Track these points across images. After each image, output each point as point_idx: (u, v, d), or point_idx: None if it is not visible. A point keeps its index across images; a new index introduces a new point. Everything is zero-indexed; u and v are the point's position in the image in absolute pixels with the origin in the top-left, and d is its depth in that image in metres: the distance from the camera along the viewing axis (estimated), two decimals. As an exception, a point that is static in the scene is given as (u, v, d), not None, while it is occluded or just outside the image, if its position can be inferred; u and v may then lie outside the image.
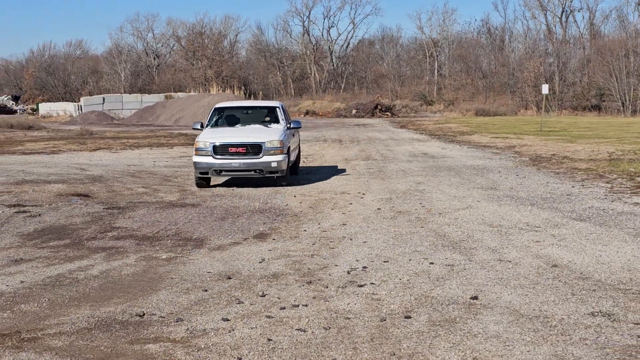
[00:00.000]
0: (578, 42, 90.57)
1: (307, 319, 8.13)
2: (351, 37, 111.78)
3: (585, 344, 7.13)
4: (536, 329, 7.57)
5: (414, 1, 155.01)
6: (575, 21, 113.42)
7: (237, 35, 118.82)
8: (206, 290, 9.46)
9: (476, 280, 9.60)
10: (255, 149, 19.28)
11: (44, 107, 74.53)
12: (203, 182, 19.93)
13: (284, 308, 8.59)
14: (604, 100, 75.91)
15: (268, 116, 21.54)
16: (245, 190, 19.04)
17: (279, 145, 19.33)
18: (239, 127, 20.99)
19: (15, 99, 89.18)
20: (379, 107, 76.72)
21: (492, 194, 17.30)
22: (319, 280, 9.84)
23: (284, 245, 12.15)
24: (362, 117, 73.31)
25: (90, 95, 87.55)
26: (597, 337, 7.31)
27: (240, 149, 19.32)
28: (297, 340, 7.47)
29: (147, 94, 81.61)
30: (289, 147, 20.25)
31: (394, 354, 7.01)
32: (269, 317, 8.26)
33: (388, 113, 75.59)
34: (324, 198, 17.30)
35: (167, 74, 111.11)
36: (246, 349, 7.26)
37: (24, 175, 22.42)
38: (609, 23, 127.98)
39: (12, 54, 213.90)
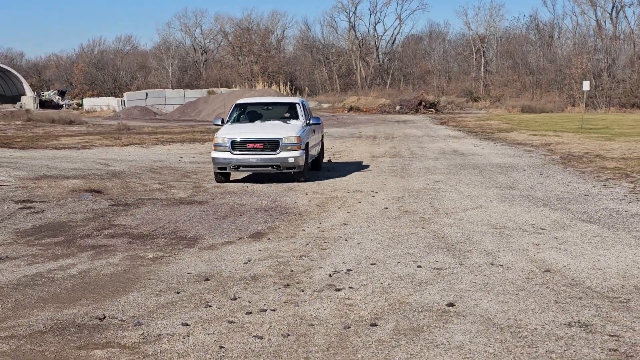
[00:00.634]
0: (628, 38, 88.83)
1: (269, 325, 7.77)
2: (397, 33, 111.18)
3: (550, 358, 6.67)
4: (503, 340, 7.13)
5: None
6: (626, 17, 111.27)
7: (284, 31, 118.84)
8: (178, 293, 9.16)
9: (459, 285, 9.16)
10: (272, 144, 19.27)
11: (88, 102, 75.06)
12: (222, 177, 19.91)
13: (250, 313, 8.24)
14: (653, 98, 74.37)
15: (288, 112, 21.38)
16: (258, 187, 18.74)
17: (296, 141, 19.29)
18: (258, 123, 20.93)
19: (62, 94, 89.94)
20: (423, 103, 75.96)
21: (508, 193, 16.77)
22: (298, 283, 9.48)
23: (277, 246, 11.80)
24: (406, 113, 72.63)
25: (139, 90, 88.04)
26: (566, 350, 6.85)
27: (257, 145, 19.35)
28: (249, 349, 7.12)
29: (189, 89, 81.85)
30: (307, 143, 20.09)
31: (345, 365, 6.63)
32: (231, 322, 7.92)
33: (432, 109, 74.82)
34: (335, 196, 16.92)
35: (214, 70, 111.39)
36: (194, 357, 6.92)
37: (46, 170, 22.36)
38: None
39: (62, 49, 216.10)
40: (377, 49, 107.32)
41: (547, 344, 7.04)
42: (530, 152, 27.37)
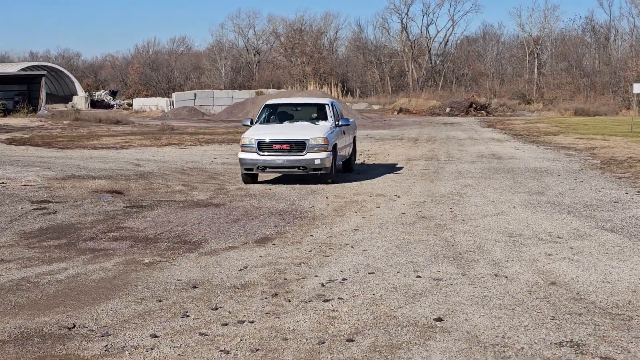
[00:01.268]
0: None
1: (240, 339, 7.34)
2: (450, 35, 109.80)
3: (528, 382, 6.13)
4: (483, 361, 6.59)
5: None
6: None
7: (336, 32, 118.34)
8: (160, 301, 8.77)
9: (455, 298, 8.63)
10: (299, 145, 19.03)
11: (138, 103, 75.41)
12: (249, 178, 19.77)
13: (227, 324, 7.82)
14: None
15: (317, 113, 21.07)
16: (281, 190, 18.35)
17: (322, 143, 19.01)
18: (286, 124, 20.61)
19: (113, 94, 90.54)
20: (474, 105, 74.95)
21: (535, 199, 16.13)
22: (287, 292, 9.03)
23: (279, 252, 11.38)
24: (456, 115, 71.74)
25: (192, 90, 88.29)
26: (547, 374, 6.29)
27: (284, 146, 19.10)
28: (211, 364, 6.66)
29: (238, 90, 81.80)
30: (335, 145, 19.75)
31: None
32: (202, 334, 7.50)
33: (483, 112, 73.79)
34: (355, 200, 16.45)
35: (266, 71, 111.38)
36: (150, 372, 6.50)
37: (75, 170, 22.23)
38: None
39: (118, 50, 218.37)
40: (429, 51, 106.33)
41: (529, 366, 6.48)
42: (571, 157, 26.58)
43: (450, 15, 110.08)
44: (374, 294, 8.90)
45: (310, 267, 10.35)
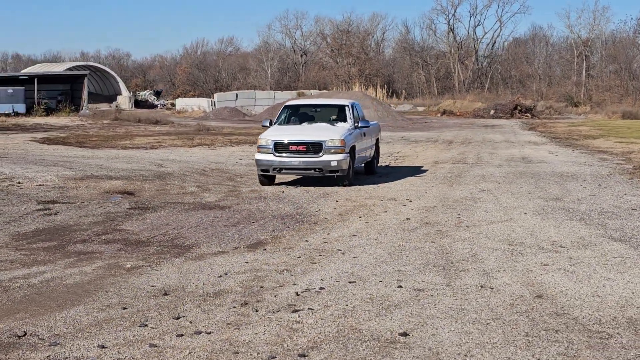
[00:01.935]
0: None
1: (189, 352, 6.99)
2: (497, 36, 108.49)
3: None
4: (435, 381, 6.13)
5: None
6: None
7: (384, 33, 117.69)
8: (125, 308, 8.44)
9: (430, 311, 8.19)
10: (315, 147, 18.70)
11: (180, 103, 75.64)
12: (265, 179, 19.50)
13: (182, 335, 7.46)
14: None
15: (337, 115, 20.65)
16: (294, 192, 18.01)
17: (339, 144, 18.64)
18: (304, 125, 20.28)
19: (157, 94, 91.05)
20: (519, 107, 73.92)
21: (550, 205, 15.57)
22: (258, 302, 8.66)
23: (267, 258, 11.02)
24: (500, 117, 70.82)
25: (239, 90, 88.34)
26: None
27: (300, 147, 18.79)
28: (149, 379, 6.30)
29: (279, 91, 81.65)
30: (353, 147, 19.37)
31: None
32: (153, 346, 7.15)
33: (528, 114, 72.70)
34: (365, 204, 16.02)
35: (312, 72, 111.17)
36: (81, 387, 6.15)
37: (96, 170, 22.10)
38: None
39: (167, 50, 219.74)
40: (476, 52, 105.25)
41: (482, 388, 6.02)
42: (604, 161, 25.83)
43: (498, 16, 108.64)
44: (347, 305, 8.49)
45: (292, 275, 9.96)
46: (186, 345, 7.21)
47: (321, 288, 9.23)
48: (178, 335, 7.49)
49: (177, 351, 7.05)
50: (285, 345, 7.17)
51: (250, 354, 6.95)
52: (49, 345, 7.25)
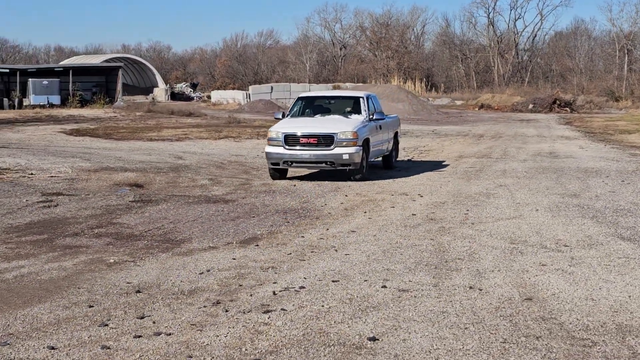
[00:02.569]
0: None
1: (140, 355, 6.60)
2: (538, 29, 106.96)
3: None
4: (390, 392, 5.66)
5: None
6: None
7: (423, 26, 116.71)
8: (91, 307, 8.09)
9: (409, 313, 7.71)
10: (327, 140, 18.07)
11: (216, 95, 75.48)
12: (277, 173, 18.93)
13: (140, 337, 7.07)
14: None
15: (351, 107, 19.99)
16: (305, 186, 17.62)
17: (352, 137, 17.98)
18: (317, 118, 19.67)
19: (194, 86, 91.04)
20: (558, 102, 72.68)
21: (565, 202, 14.98)
22: (231, 301, 8.24)
23: (257, 254, 10.62)
24: (539, 112, 69.70)
25: (277, 83, 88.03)
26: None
27: (311, 140, 18.16)
28: (88, 384, 5.90)
29: (315, 84, 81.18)
30: (366, 140, 18.69)
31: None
32: (104, 347, 6.77)
33: (567, 109, 71.48)
34: (374, 199, 15.55)
35: (350, 65, 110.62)
36: (14, 391, 5.77)
37: (113, 162, 21.89)
38: None
39: (207, 43, 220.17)
40: (516, 46, 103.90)
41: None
42: (634, 156, 25.09)
43: (539, 9, 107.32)
44: (322, 306, 8.04)
45: (276, 273, 9.53)
46: (140, 347, 6.82)
47: (301, 287, 8.79)
48: (136, 337, 7.09)
49: (128, 354, 6.66)
50: (243, 349, 6.75)
51: (204, 359, 6.51)
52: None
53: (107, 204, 14.93)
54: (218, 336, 7.09)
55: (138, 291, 8.72)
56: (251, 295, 8.51)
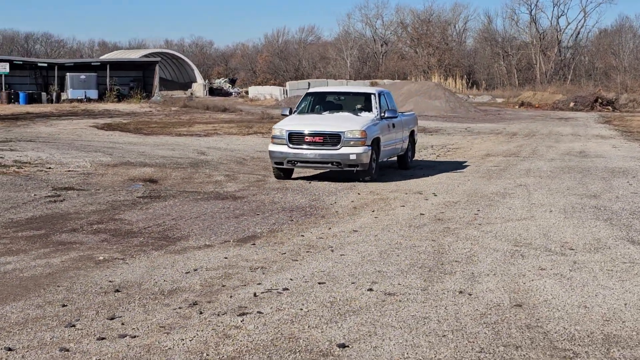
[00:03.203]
0: None
1: (99, 358, 6.32)
2: (581, 27, 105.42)
3: None
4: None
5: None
6: None
7: (465, 23, 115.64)
8: (64, 306, 7.87)
9: (388, 319, 7.39)
10: (333, 138, 17.06)
11: (253, 91, 75.46)
12: (281, 173, 17.97)
13: (103, 339, 6.83)
14: None
15: (361, 104, 18.88)
16: (319, 185, 17.28)
17: (359, 136, 16.98)
18: (325, 115, 18.59)
19: (232, 82, 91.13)
20: (600, 100, 71.61)
21: (582, 203, 14.52)
22: (209, 302, 7.98)
23: (251, 253, 10.36)
24: (580, 110, 68.71)
25: (315, 79, 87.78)
26: None
27: (316, 138, 17.15)
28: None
29: (352, 80, 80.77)
30: (376, 139, 17.72)
31: None
32: (63, 350, 6.56)
33: (609, 107, 70.39)
34: (386, 198, 15.22)
35: (391, 61, 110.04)
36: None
37: (134, 157, 21.79)
38: None
39: (249, 38, 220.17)
40: (558, 43, 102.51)
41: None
42: (667, 157, 24.37)
43: (582, 6, 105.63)
44: (301, 309, 7.73)
45: (263, 273, 9.25)
46: (99, 350, 6.57)
47: (285, 289, 8.48)
48: (99, 339, 6.85)
49: (85, 357, 6.43)
50: (205, 354, 6.47)
51: (161, 364, 6.23)
52: (-43, 345, 6.64)
53: (114, 199, 14.75)
54: (183, 340, 6.81)
55: (117, 290, 8.48)
56: (231, 296, 8.23)
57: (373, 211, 13.69)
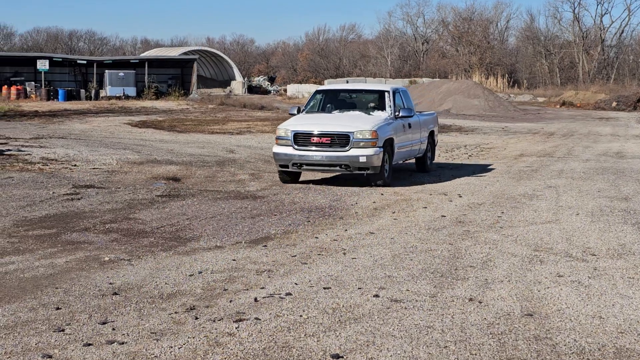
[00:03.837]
0: None
1: (79, 365, 6.03)
2: (625, 25, 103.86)
3: None
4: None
5: None
6: None
7: (507, 21, 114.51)
8: (58, 309, 7.64)
9: (389, 327, 7.04)
10: (341, 139, 15.96)
11: (292, 89, 75.32)
12: (287, 177, 16.94)
13: (89, 345, 6.58)
14: None
15: (375, 102, 17.70)
16: (343, 183, 16.84)
17: (370, 137, 15.87)
18: (334, 114, 17.45)
19: (271, 80, 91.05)
20: (643, 99, 70.40)
21: (612, 205, 14.05)
22: (207, 307, 7.69)
23: (260, 255, 10.07)
24: (623, 110, 67.60)
25: (353, 77, 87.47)
26: None
27: (324, 139, 16.04)
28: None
29: (390, 78, 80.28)
30: (389, 140, 16.59)
31: None
32: (46, 356, 6.34)
33: (653, 106, 69.18)
34: (410, 198, 14.86)
35: (432, 60, 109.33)
36: None
37: (162, 155, 21.68)
38: None
39: (290, 36, 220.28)
40: (602, 42, 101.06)
41: None
42: None
43: (627, 4, 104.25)
44: (301, 316, 7.41)
45: (269, 277, 8.95)
46: (83, 357, 6.32)
47: (287, 294, 8.17)
48: (85, 345, 6.58)
49: (67, 364, 6.11)
50: (191, 363, 6.14)
51: (144, 373, 5.94)
52: (-62, 350, 6.41)
53: (132, 198, 14.55)
54: (172, 347, 6.52)
55: (115, 293, 8.23)
56: (231, 301, 7.93)
57: (393, 212, 13.33)
